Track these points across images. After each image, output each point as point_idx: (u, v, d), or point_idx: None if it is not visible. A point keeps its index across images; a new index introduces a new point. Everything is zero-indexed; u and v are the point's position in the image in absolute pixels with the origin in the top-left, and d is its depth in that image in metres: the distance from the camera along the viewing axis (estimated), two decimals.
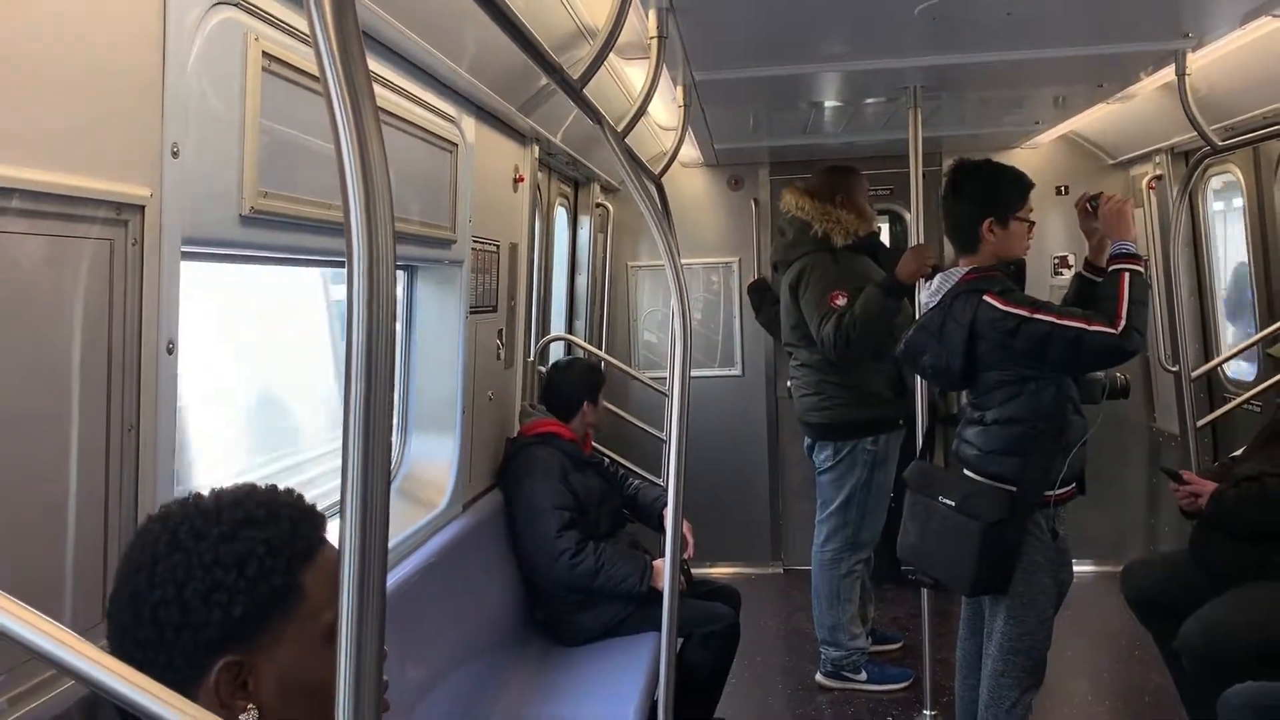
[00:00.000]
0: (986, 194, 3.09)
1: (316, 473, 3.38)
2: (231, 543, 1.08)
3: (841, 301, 4.09)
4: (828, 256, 4.23)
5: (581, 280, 5.67)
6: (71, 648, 0.86)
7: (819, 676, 4.40)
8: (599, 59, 2.20)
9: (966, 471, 3.09)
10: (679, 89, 3.68)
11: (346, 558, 0.83)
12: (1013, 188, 3.10)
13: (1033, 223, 3.12)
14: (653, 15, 2.70)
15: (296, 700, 1.09)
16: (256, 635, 1.08)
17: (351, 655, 0.83)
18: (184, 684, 1.03)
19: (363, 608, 0.84)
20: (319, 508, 1.21)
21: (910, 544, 3.26)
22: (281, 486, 1.20)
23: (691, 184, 6.01)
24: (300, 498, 1.19)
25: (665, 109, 4.16)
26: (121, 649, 1.07)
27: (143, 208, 1.58)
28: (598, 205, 5.63)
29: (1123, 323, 2.80)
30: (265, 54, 1.87)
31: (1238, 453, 3.68)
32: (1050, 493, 2.97)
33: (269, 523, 1.12)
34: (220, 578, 1.07)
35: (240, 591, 1.07)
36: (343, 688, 0.83)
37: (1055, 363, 2.89)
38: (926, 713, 3.98)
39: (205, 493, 1.16)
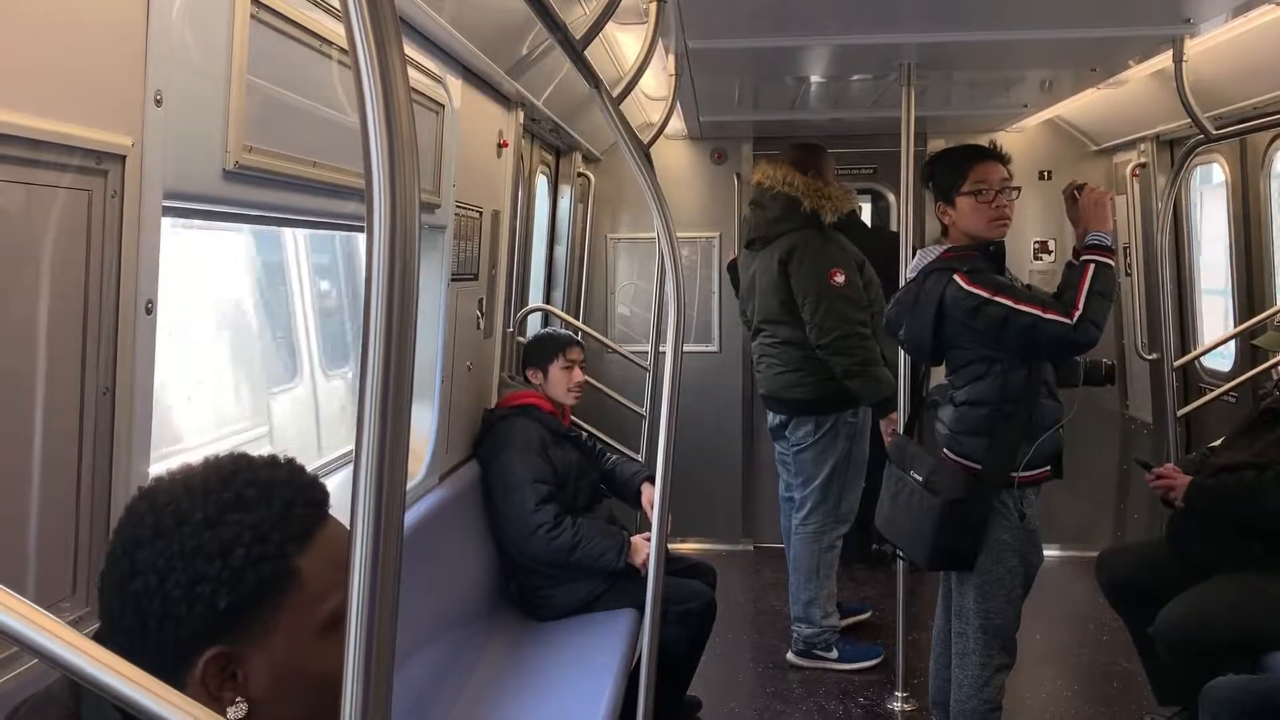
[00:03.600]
0: (931, 183, 3.16)
1: None
2: (216, 529, 0.99)
3: (840, 279, 4.09)
4: (818, 234, 4.19)
5: (560, 251, 5.59)
6: (51, 632, 0.80)
7: (790, 655, 4.40)
8: (601, 20, 2.12)
9: (944, 450, 3.11)
10: (671, 57, 3.60)
11: (359, 543, 0.76)
12: (947, 167, 3.12)
13: (981, 192, 3.01)
14: None
15: (291, 693, 1.01)
16: (246, 626, 1.00)
17: (362, 638, 0.77)
18: (171, 673, 0.95)
19: (375, 595, 0.77)
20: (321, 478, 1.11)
21: (884, 514, 3.31)
22: (282, 457, 1.11)
23: (674, 156, 5.93)
24: (299, 470, 1.09)
25: (653, 78, 4.08)
26: (110, 633, 1.00)
27: (123, 158, 1.49)
28: (579, 175, 5.54)
29: (1078, 313, 2.82)
30: (254, 0, 1.78)
31: (1215, 443, 3.70)
32: (1017, 474, 2.97)
33: (259, 504, 1.02)
34: (203, 568, 0.98)
35: (225, 583, 0.98)
36: (351, 669, 0.77)
37: (1011, 347, 2.91)
38: (898, 694, 3.99)
39: (197, 463, 1.08)
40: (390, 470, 0.76)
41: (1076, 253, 3.18)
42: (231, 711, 0.98)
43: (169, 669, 0.96)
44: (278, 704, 1.01)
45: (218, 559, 0.99)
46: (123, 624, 0.99)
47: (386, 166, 0.75)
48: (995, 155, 3.10)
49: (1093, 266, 2.87)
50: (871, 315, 4.20)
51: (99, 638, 1.01)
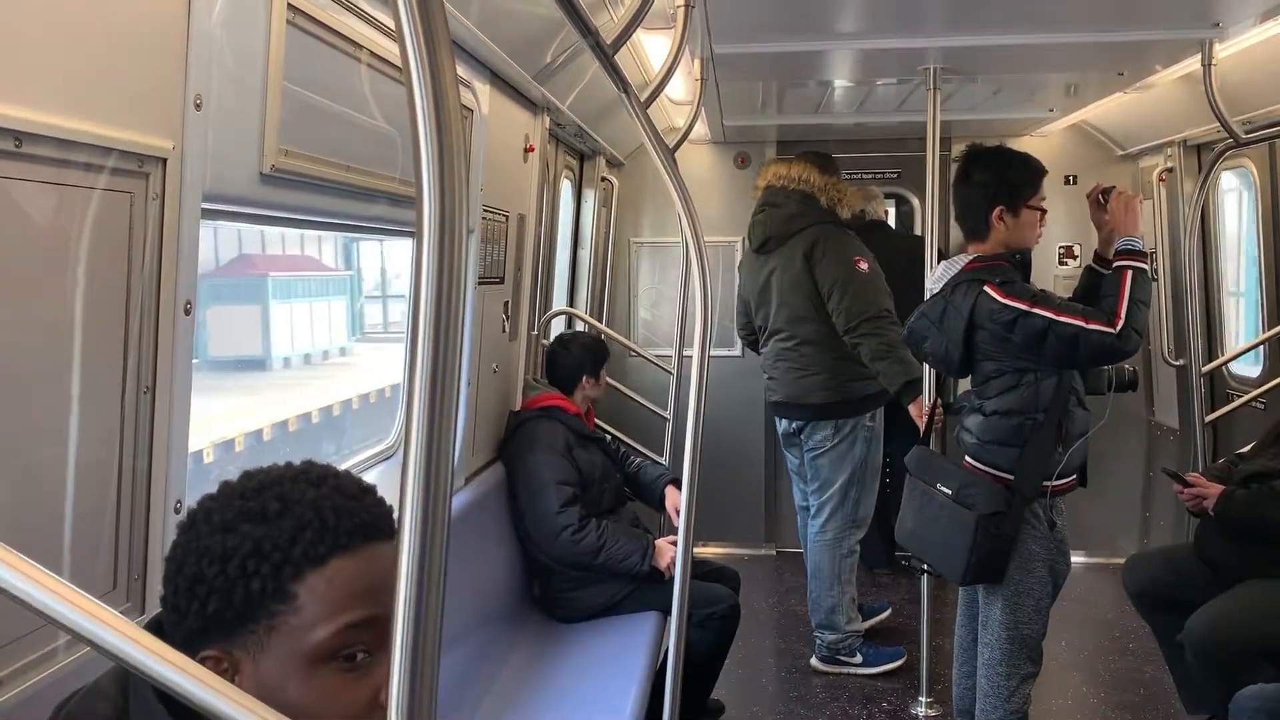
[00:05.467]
0: (998, 181, 3.02)
1: None
2: (225, 535, 1.01)
3: (865, 266, 4.11)
4: (835, 227, 4.21)
5: (584, 254, 5.61)
6: (106, 623, 0.82)
7: (814, 661, 4.39)
8: (632, 24, 2.14)
9: (968, 459, 3.08)
10: (696, 62, 3.62)
11: (406, 552, 0.78)
12: (1025, 175, 3.04)
13: (1044, 211, 3.06)
14: None
15: None
16: (239, 636, 1.01)
17: (408, 649, 0.79)
18: None
19: (422, 597, 0.79)
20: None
21: (908, 529, 3.26)
22: (354, 474, 1.11)
23: (697, 160, 5.94)
24: (343, 493, 1.07)
25: (678, 82, 4.09)
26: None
27: (164, 160, 1.52)
28: (603, 179, 5.56)
29: (1121, 322, 2.76)
30: (290, 6, 1.80)
31: (1244, 450, 3.67)
32: (1048, 483, 2.95)
33: (275, 520, 1.02)
34: (204, 570, 1.00)
35: (217, 589, 1.00)
36: (397, 682, 0.79)
37: (1051, 357, 2.86)
38: (922, 699, 3.97)
39: (270, 466, 1.09)
40: (436, 471, 0.78)
41: (1097, 257, 3.15)
42: None
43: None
44: None
45: (217, 564, 1.00)
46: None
47: (437, 174, 0.77)
48: None
49: (1130, 273, 2.82)
50: None
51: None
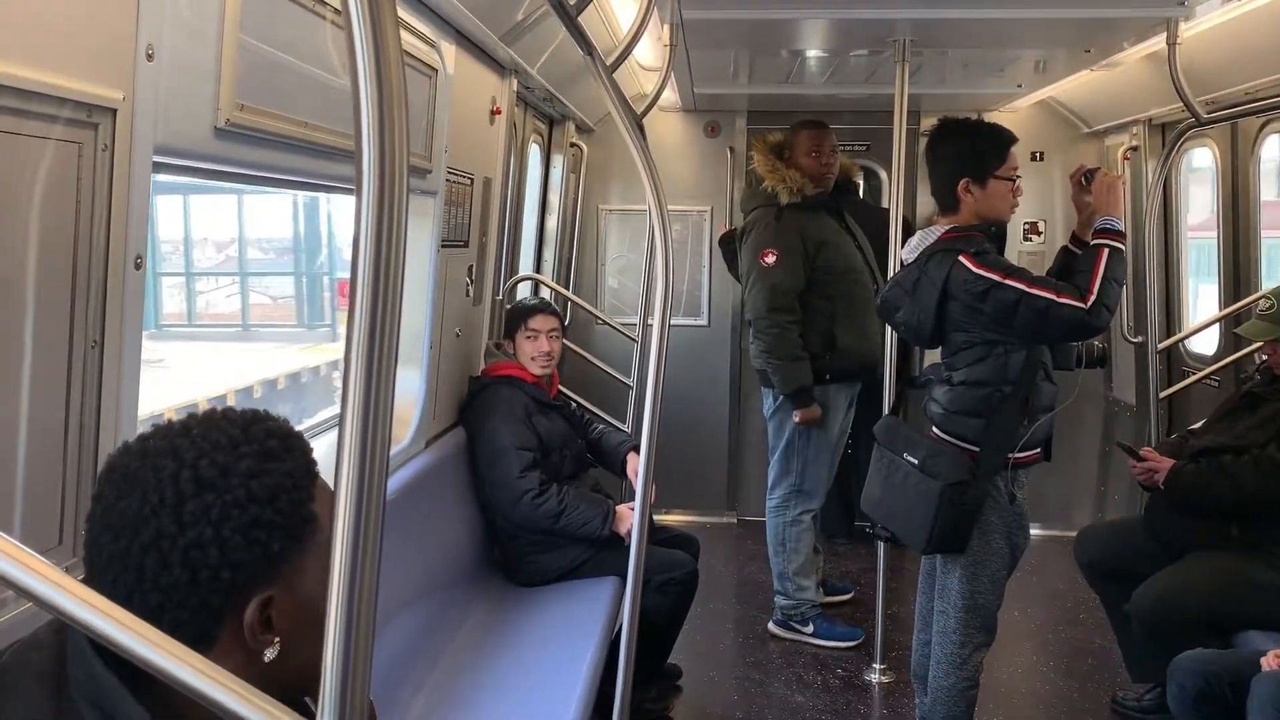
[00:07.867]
0: (963, 153, 3.03)
1: None
2: (261, 478, 1.05)
3: (770, 260, 4.15)
4: (772, 212, 4.24)
5: (551, 221, 5.58)
6: (45, 576, 0.81)
7: (771, 625, 4.44)
8: None
9: (934, 429, 3.11)
10: (666, 27, 3.59)
11: (343, 508, 0.78)
12: (990, 146, 3.04)
13: (1014, 179, 3.05)
14: None
15: (311, 631, 1.04)
16: (288, 569, 1.06)
17: (343, 604, 0.79)
18: (214, 622, 1.02)
19: (357, 559, 0.79)
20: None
21: (873, 497, 3.28)
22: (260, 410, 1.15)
23: (667, 128, 5.91)
24: (286, 420, 1.15)
25: (648, 48, 4.06)
26: (139, 592, 1.01)
27: (114, 111, 1.49)
28: (572, 145, 5.52)
29: (1093, 298, 2.78)
30: None
31: (1195, 426, 3.74)
32: (1011, 456, 2.98)
33: (285, 454, 1.08)
34: (257, 514, 1.03)
35: (278, 527, 1.05)
36: (333, 636, 0.79)
37: (1021, 330, 2.87)
38: (876, 666, 4.04)
39: (193, 419, 1.10)
40: (374, 434, 0.78)
41: (1075, 238, 3.17)
42: (269, 652, 1.04)
43: (213, 619, 1.02)
44: (302, 643, 1.06)
45: (268, 504, 1.04)
46: (161, 580, 1.01)
47: (376, 123, 0.76)
48: None
49: (1106, 251, 2.83)
50: (832, 299, 4.21)
51: (90, 583, 1.03)
